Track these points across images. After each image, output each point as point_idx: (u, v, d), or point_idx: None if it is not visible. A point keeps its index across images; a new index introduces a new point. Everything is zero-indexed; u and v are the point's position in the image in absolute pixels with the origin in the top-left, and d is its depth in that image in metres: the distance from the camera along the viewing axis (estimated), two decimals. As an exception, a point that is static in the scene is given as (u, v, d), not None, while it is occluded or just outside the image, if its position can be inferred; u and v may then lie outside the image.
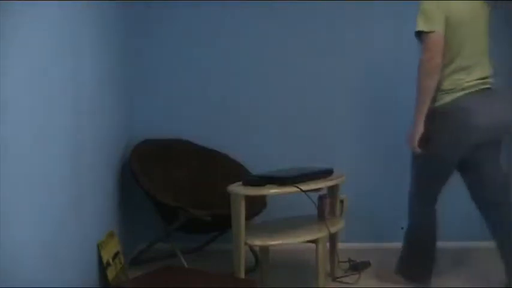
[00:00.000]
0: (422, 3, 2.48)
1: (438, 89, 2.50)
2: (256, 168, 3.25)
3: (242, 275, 2.59)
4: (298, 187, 2.58)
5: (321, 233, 2.68)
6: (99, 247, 2.53)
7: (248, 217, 2.65)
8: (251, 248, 3.12)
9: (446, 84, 2.50)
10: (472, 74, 2.51)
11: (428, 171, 2.66)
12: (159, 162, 3.24)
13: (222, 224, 2.92)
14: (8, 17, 1.61)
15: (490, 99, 2.55)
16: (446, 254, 3.36)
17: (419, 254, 2.80)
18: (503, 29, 3.48)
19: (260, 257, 2.90)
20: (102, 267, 2.54)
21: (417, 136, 2.53)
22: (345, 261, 3.10)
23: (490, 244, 3.48)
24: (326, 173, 2.87)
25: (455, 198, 3.54)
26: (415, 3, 2.54)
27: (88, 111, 2.43)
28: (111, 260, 2.63)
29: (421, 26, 2.45)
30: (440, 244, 3.48)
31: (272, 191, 2.59)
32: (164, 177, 3.21)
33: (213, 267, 2.91)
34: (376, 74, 3.51)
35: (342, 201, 3.04)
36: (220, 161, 3.38)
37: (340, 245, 3.02)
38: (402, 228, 3.51)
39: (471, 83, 2.51)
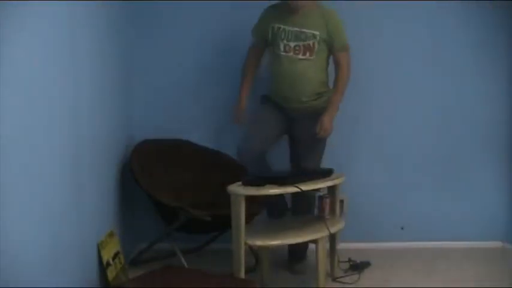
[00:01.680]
0: (339, 21, 3.03)
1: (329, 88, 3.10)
2: (256, 168, 3.25)
3: (242, 275, 2.59)
4: (298, 187, 2.58)
5: (321, 233, 2.68)
6: (99, 247, 2.53)
7: (248, 217, 2.65)
8: (251, 248, 3.12)
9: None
10: None
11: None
12: (159, 163, 3.24)
13: (222, 224, 2.92)
14: (8, 18, 1.61)
15: None
16: (447, 253, 3.37)
17: None
18: (503, 29, 3.48)
19: (260, 257, 2.91)
20: (102, 267, 2.53)
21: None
22: (345, 261, 3.10)
23: (491, 244, 3.50)
24: (326, 173, 2.87)
25: (456, 199, 3.55)
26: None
27: (87, 111, 2.43)
28: (111, 260, 2.63)
29: (347, 40, 3.04)
30: (441, 244, 3.50)
31: (272, 191, 2.60)
32: (164, 177, 3.20)
33: (213, 267, 2.91)
34: (374, 73, 3.50)
35: (342, 201, 3.05)
36: (220, 161, 3.38)
37: (340, 245, 3.01)
38: (402, 228, 3.54)
39: None
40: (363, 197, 3.45)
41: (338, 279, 2.92)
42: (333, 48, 3.03)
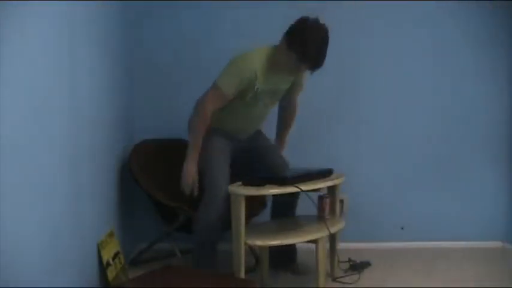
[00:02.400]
0: None
1: None
2: (256, 168, 3.25)
3: (242, 275, 2.59)
4: (298, 187, 2.58)
5: (321, 233, 2.68)
6: (99, 247, 2.53)
7: (248, 217, 2.64)
8: (251, 248, 3.12)
9: None
10: None
11: None
12: (158, 163, 3.23)
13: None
14: (8, 18, 1.61)
15: None
16: (447, 253, 3.37)
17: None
18: (503, 29, 3.48)
19: (260, 257, 2.90)
20: (102, 267, 2.53)
21: None
22: (345, 261, 3.10)
23: (491, 244, 3.50)
24: (326, 173, 2.87)
25: (456, 199, 3.55)
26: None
27: (87, 111, 2.43)
28: (111, 260, 2.63)
29: None
30: (441, 244, 3.50)
31: (272, 191, 2.59)
32: (164, 177, 3.19)
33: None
34: (374, 73, 3.51)
35: (341, 201, 3.05)
36: (220, 161, 3.38)
37: (340, 245, 3.01)
38: (402, 228, 3.54)
39: None
40: (363, 197, 3.46)
41: (338, 279, 2.92)
42: (293, 92, 3.01)
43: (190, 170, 2.76)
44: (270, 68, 2.74)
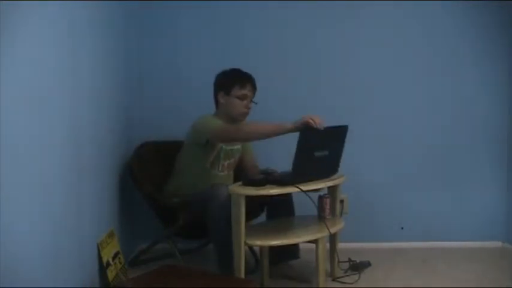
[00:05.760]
0: None
1: None
2: (256, 168, 3.24)
3: (242, 275, 2.58)
4: (298, 187, 2.58)
5: (321, 233, 2.68)
6: (99, 247, 2.53)
7: (248, 218, 2.64)
8: (251, 248, 3.12)
9: None
10: None
11: None
12: (159, 164, 3.22)
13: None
14: (8, 18, 1.61)
15: None
16: (447, 253, 3.37)
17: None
18: (504, 29, 3.48)
19: (260, 257, 2.90)
20: (102, 267, 2.53)
21: None
22: (345, 261, 3.10)
23: (491, 244, 3.50)
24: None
25: (456, 199, 3.55)
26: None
27: (88, 112, 2.43)
28: (111, 260, 2.63)
29: None
30: (441, 244, 3.50)
31: (272, 191, 2.59)
32: (165, 180, 3.18)
33: (213, 267, 2.91)
34: (377, 74, 3.51)
35: (342, 201, 3.05)
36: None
37: (340, 245, 3.01)
38: (402, 228, 3.54)
39: None
40: (363, 197, 3.46)
41: (338, 279, 2.92)
42: (248, 159, 3.16)
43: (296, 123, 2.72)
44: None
